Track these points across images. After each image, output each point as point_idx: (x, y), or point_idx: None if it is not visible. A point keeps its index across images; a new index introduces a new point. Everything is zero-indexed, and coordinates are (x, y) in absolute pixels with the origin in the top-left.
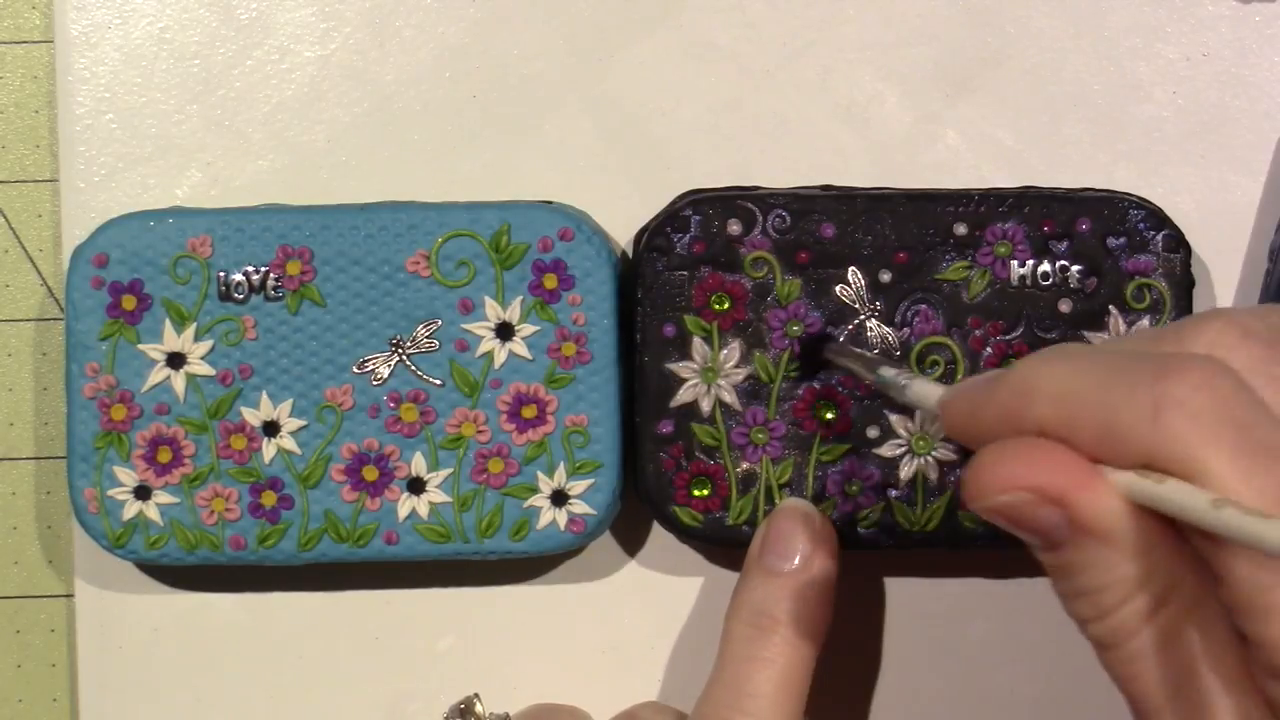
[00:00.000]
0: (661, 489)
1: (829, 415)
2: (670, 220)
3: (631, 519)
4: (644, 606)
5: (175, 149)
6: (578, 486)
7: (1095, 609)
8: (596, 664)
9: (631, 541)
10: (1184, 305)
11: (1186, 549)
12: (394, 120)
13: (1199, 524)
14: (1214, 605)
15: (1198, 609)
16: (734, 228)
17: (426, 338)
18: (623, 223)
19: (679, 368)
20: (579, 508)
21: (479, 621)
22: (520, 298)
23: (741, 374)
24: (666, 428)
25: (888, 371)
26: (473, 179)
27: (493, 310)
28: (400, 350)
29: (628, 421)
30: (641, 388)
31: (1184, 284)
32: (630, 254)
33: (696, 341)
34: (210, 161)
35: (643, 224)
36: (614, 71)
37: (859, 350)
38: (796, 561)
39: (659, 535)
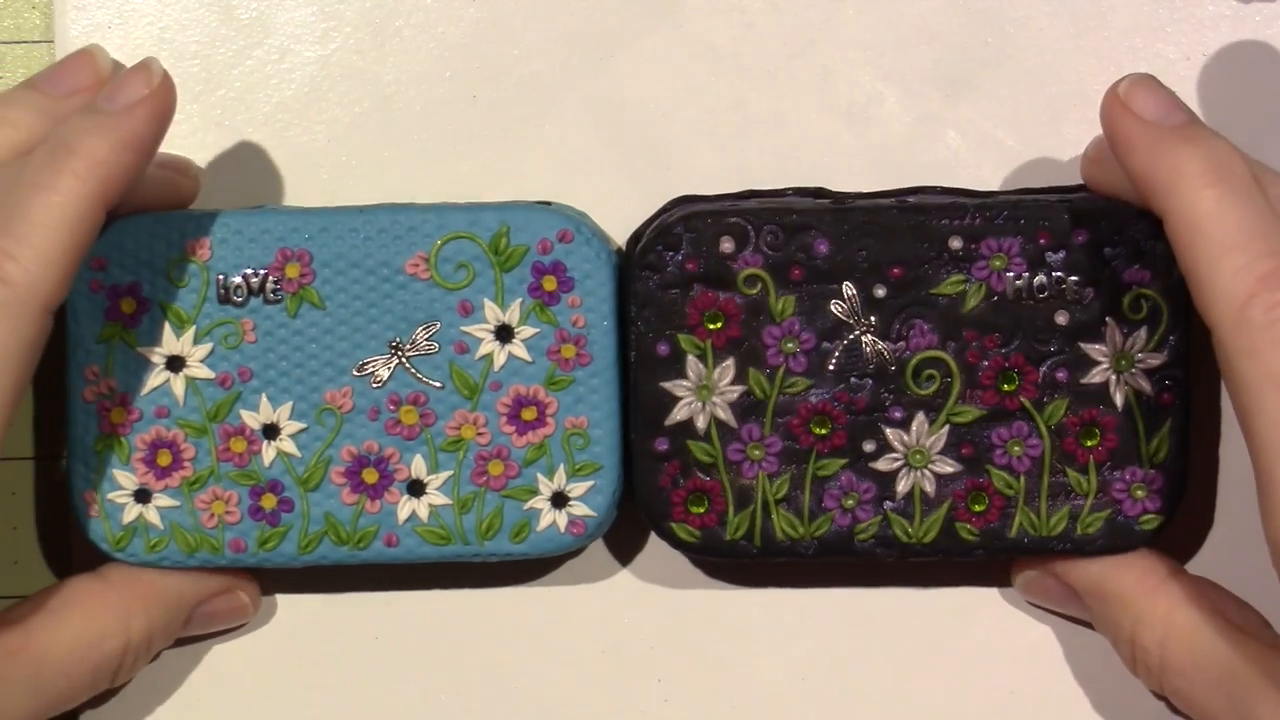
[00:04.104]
0: (659, 506)
1: (824, 430)
2: (662, 237)
3: (632, 519)
4: (644, 607)
5: (175, 149)
6: (578, 488)
7: None
8: (596, 665)
9: (632, 542)
10: (1181, 315)
11: None
12: (394, 120)
13: None
14: None
15: None
16: (726, 245)
17: (426, 340)
18: (622, 223)
19: (673, 386)
20: (579, 509)
21: (479, 622)
22: (519, 300)
23: (736, 391)
24: (662, 445)
25: None
26: (473, 179)
27: (492, 312)
28: (400, 353)
29: (627, 424)
30: (636, 405)
31: (1181, 293)
32: (628, 251)
33: (690, 359)
34: (210, 161)
35: (637, 225)
36: (614, 71)
37: None
38: (120, 103)
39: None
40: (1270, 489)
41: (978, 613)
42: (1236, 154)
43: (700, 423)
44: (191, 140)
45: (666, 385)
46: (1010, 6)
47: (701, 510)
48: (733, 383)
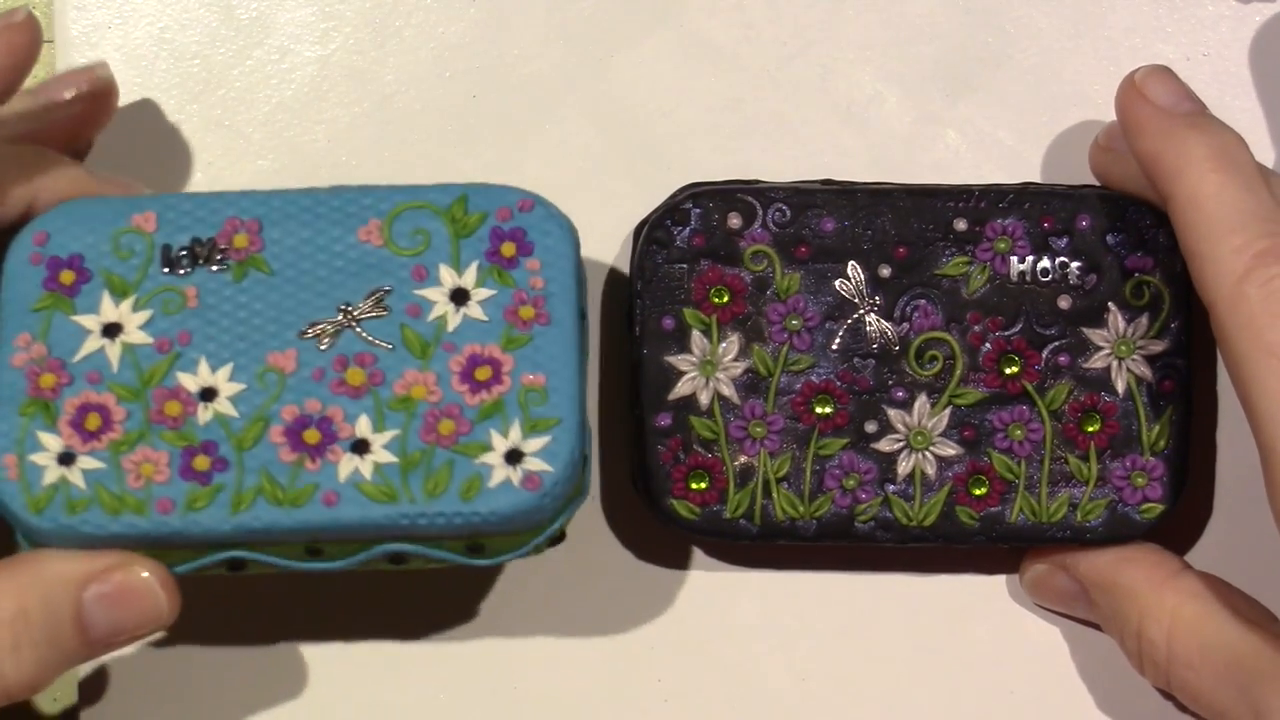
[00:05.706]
0: (659, 482)
1: (827, 409)
2: (670, 213)
3: (631, 518)
4: (644, 607)
5: (176, 148)
6: (534, 444)
7: None
8: (596, 665)
9: (632, 541)
10: (1183, 302)
11: None
12: (394, 120)
13: None
14: None
15: None
16: (734, 221)
17: (377, 304)
18: (623, 222)
19: (677, 360)
20: (535, 464)
21: (479, 622)
22: (476, 263)
23: (740, 367)
24: (664, 420)
25: None
26: (473, 179)
27: (448, 275)
28: (349, 315)
29: (595, 397)
30: (640, 380)
31: (1183, 281)
32: (630, 249)
33: (695, 334)
34: (210, 161)
35: (636, 225)
36: (614, 71)
37: None
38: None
39: (660, 535)
40: (1273, 461)
41: (978, 612)
42: (1242, 144)
43: (703, 398)
44: (192, 140)
45: (671, 360)
46: (1010, 6)
47: (702, 487)
48: (736, 359)
